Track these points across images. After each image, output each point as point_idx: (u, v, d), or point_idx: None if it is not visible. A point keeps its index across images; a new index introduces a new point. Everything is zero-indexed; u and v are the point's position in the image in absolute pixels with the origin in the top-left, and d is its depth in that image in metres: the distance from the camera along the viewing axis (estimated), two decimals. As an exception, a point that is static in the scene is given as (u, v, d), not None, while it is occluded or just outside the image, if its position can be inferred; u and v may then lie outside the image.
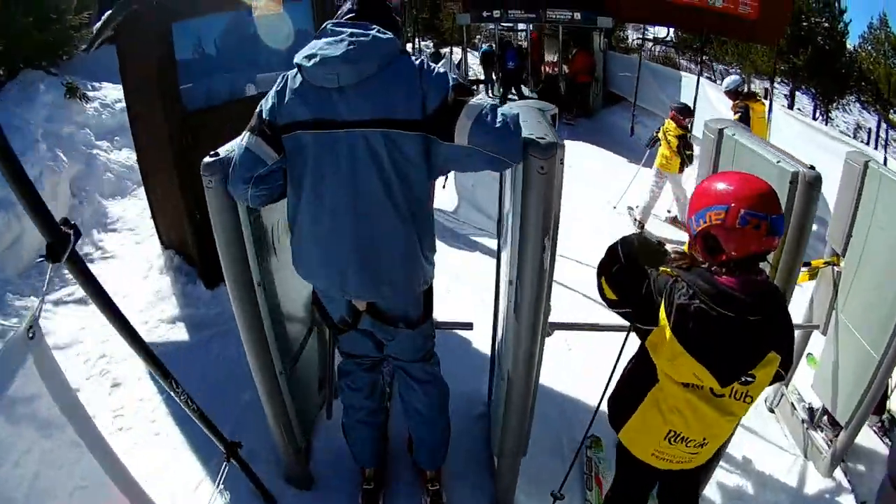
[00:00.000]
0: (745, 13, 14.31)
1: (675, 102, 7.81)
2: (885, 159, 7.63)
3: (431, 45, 18.31)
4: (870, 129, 27.74)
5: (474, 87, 4.52)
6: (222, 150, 2.12)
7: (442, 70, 1.96)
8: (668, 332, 1.77)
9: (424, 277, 2.21)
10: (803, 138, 7.87)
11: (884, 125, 27.17)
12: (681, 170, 7.26)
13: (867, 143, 27.49)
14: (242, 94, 4.50)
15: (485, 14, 14.37)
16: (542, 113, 2.31)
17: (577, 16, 14.24)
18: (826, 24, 24.91)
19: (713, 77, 33.65)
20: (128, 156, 6.33)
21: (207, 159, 2.05)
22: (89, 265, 1.60)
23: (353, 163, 1.93)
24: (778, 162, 2.54)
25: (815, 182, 2.38)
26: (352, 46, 1.86)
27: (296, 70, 1.96)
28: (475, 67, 16.70)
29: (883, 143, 26.48)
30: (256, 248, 2.26)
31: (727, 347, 1.73)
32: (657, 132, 7.63)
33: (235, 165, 2.00)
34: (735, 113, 7.49)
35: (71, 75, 6.80)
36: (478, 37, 17.99)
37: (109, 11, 3.92)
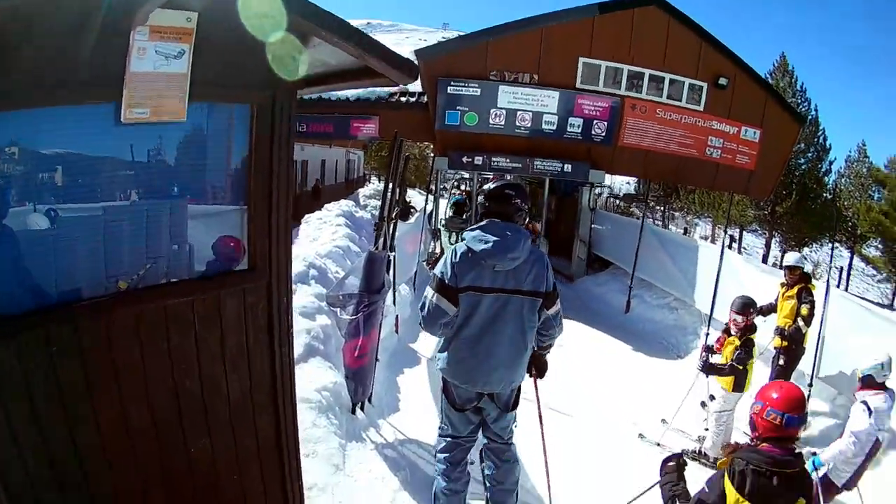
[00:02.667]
0: (742, 164, 13.77)
1: (738, 298, 5.92)
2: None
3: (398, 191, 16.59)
4: (841, 267, 27.24)
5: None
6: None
7: (551, 268, 3.53)
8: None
9: (520, 380, 3.65)
10: (861, 324, 6.48)
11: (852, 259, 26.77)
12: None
13: (839, 281, 26.92)
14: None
15: (465, 160, 12.72)
16: None
17: (568, 167, 12.82)
18: (807, 166, 25.11)
19: (678, 225, 33.41)
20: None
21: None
22: None
23: (505, 313, 3.35)
24: None
25: None
26: (511, 249, 3.26)
27: (465, 247, 3.32)
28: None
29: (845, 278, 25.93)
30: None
31: (772, 493, 2.44)
32: (718, 342, 6.04)
33: (428, 316, 3.36)
34: (802, 301, 6.38)
35: None
36: (443, 184, 16.28)
37: None
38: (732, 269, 8.58)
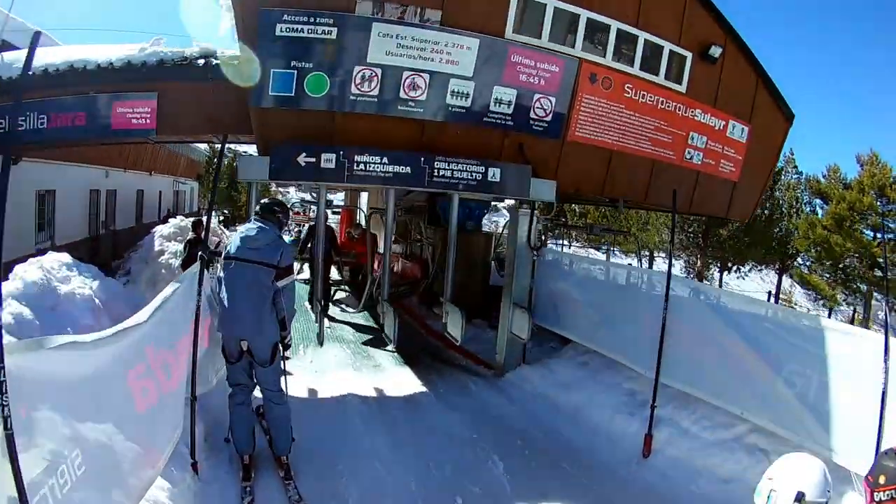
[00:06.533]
0: (726, 173, 9.96)
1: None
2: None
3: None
4: (769, 292, 24.26)
5: None
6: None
7: (289, 250, 4.84)
8: None
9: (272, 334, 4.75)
10: None
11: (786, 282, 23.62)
12: None
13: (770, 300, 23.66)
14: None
15: (304, 160, 6.83)
16: None
17: (494, 173, 7.27)
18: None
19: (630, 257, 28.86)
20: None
21: None
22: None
23: (250, 277, 4.58)
24: None
25: None
26: (259, 233, 4.71)
27: (238, 237, 4.83)
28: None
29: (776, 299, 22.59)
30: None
31: None
32: None
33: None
34: None
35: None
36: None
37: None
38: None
